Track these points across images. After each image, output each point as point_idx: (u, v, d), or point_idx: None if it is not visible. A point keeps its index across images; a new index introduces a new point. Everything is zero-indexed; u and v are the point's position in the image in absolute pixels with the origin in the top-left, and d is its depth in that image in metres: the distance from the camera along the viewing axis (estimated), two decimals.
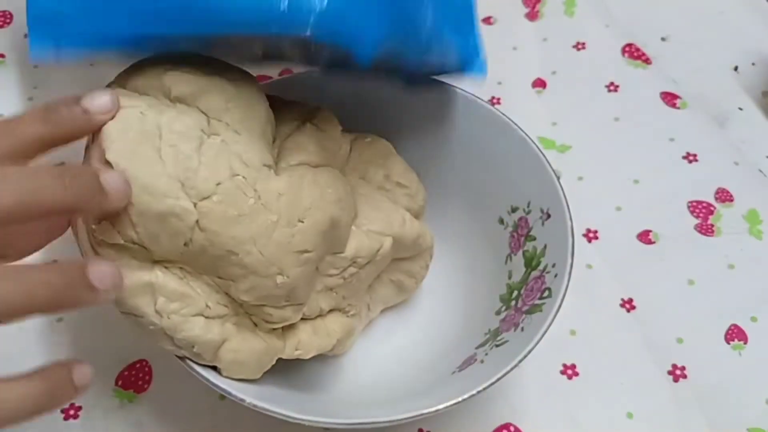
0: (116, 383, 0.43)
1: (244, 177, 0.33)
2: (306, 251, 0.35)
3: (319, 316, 0.39)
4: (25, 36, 0.60)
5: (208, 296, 0.35)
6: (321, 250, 0.36)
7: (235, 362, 0.36)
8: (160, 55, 0.36)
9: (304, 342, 0.38)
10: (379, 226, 0.39)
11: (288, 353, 0.38)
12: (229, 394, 0.34)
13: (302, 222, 0.34)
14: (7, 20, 0.61)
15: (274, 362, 0.37)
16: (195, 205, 0.32)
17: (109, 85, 0.36)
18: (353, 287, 0.39)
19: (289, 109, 0.40)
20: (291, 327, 0.38)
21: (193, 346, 0.34)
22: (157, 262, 0.34)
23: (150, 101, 0.34)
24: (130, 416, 0.42)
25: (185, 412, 0.42)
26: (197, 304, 0.34)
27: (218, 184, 0.33)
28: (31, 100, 0.55)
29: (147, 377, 0.43)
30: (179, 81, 0.35)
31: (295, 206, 0.34)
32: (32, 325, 0.44)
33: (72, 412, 0.42)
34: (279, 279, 0.34)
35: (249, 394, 0.34)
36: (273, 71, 0.58)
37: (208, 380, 0.34)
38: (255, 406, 0.33)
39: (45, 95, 0.56)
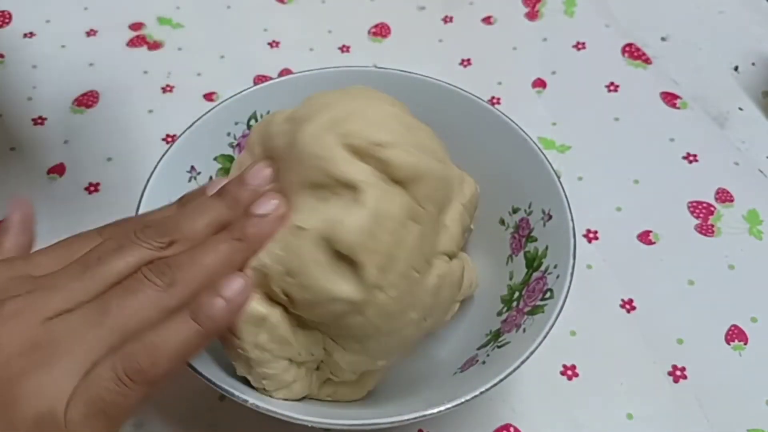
0: None
1: (418, 273, 0.34)
2: (414, 342, 0.36)
3: None
4: (25, 36, 0.60)
5: (306, 346, 0.35)
6: None
7: (286, 398, 0.36)
8: (374, 109, 0.36)
9: (341, 393, 0.39)
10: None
11: (320, 396, 0.39)
12: (232, 394, 0.34)
13: (426, 321, 0.35)
14: (7, 20, 0.61)
15: None
16: (371, 292, 0.32)
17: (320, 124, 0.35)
18: None
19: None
20: None
21: (264, 379, 0.35)
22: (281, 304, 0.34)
23: (374, 179, 0.33)
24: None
25: (185, 412, 0.42)
26: (291, 351, 0.35)
27: (402, 278, 0.33)
28: (31, 100, 0.55)
29: None
30: (400, 164, 0.33)
31: (431, 307, 0.35)
32: None
33: None
34: (380, 363, 0.36)
35: (251, 395, 0.34)
36: (273, 71, 0.58)
37: (208, 380, 0.34)
38: (257, 407, 0.33)
39: (45, 95, 0.56)
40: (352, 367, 0.36)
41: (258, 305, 0.33)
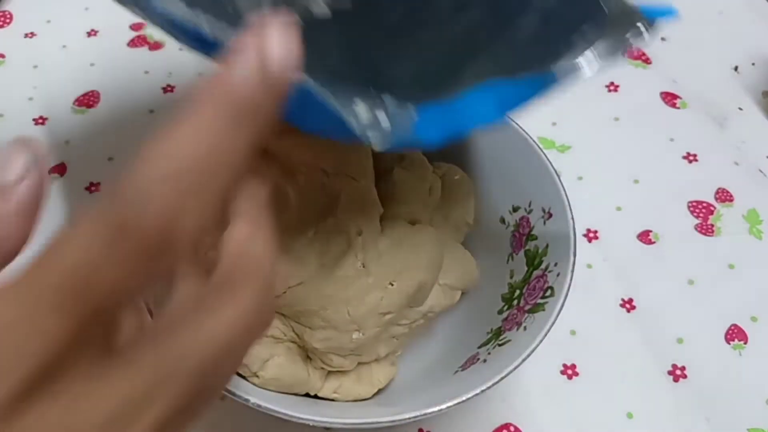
0: None
1: (360, 234, 0.35)
2: (389, 313, 0.36)
3: (374, 360, 0.39)
4: (26, 36, 0.60)
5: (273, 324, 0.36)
6: (403, 310, 0.37)
7: (275, 378, 0.36)
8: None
9: (345, 387, 0.39)
10: (454, 279, 0.40)
11: (324, 393, 0.38)
12: (233, 394, 0.34)
13: (392, 285, 0.35)
14: (7, 20, 0.61)
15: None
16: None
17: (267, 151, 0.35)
18: (413, 334, 0.40)
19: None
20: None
21: None
22: None
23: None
24: None
25: None
26: None
27: (338, 246, 0.34)
28: (31, 100, 0.55)
29: None
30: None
31: (390, 268, 0.35)
32: None
33: None
34: (355, 335, 0.36)
35: (252, 394, 0.34)
36: None
37: None
38: (259, 406, 0.33)
39: (46, 95, 0.56)
40: (326, 345, 0.36)
41: None
